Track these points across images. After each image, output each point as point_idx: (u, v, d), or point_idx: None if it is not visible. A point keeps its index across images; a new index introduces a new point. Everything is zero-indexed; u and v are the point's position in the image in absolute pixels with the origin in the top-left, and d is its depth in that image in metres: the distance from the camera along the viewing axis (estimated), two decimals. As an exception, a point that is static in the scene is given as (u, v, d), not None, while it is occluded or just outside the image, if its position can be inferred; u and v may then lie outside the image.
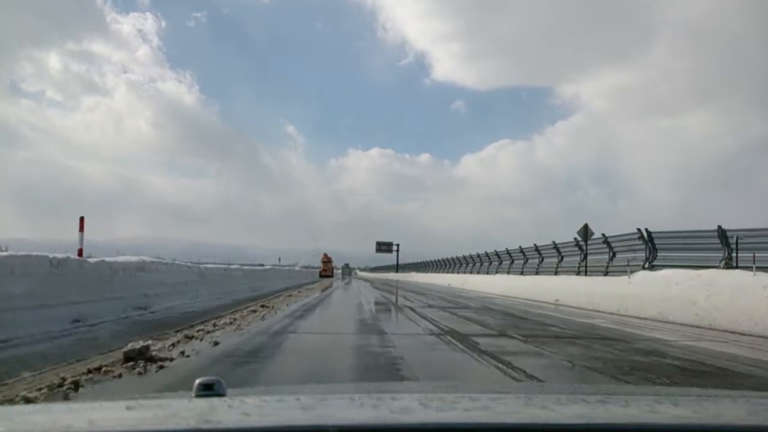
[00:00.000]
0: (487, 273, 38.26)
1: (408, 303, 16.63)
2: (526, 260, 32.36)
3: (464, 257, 46.68)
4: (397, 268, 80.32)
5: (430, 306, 15.38)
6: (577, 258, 25.68)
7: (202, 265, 16.16)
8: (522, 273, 31.72)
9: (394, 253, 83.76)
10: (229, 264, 20.15)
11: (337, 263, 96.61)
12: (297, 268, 67.86)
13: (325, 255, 79.09)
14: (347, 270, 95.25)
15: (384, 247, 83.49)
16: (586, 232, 21.28)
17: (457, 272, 47.04)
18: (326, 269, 75.39)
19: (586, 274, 21.42)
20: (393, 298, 19.82)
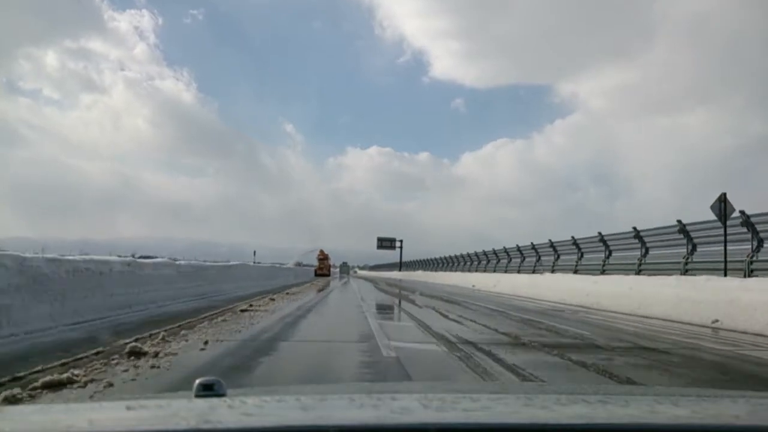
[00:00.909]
0: (518, 272, 30.21)
1: (461, 332, 8.47)
2: (581, 255, 24.24)
3: (484, 253, 38.36)
4: (401, 266, 72.07)
5: (519, 342, 7.23)
6: (673, 251, 17.66)
7: (47, 257, 7.98)
8: (575, 271, 23.74)
9: (397, 250, 75.53)
10: (170, 260, 12.24)
11: (337, 261, 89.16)
12: (290, 266, 59.94)
13: (321, 252, 70.57)
14: (345, 268, 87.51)
15: (386, 243, 75.31)
16: (724, 207, 13.09)
17: (473, 271, 39.01)
18: (322, 267, 66.79)
19: (725, 274, 13.24)
20: (421, 315, 11.56)
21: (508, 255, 33.25)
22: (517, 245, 31.52)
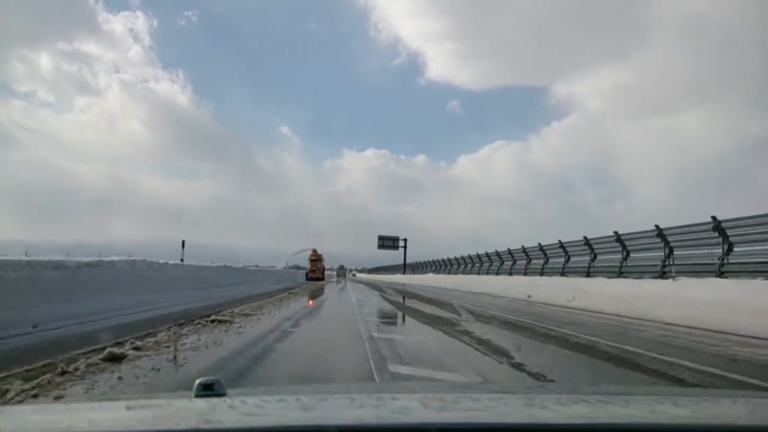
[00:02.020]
0: (588, 275, 20.32)
1: None
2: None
3: (523, 250, 28.23)
4: (405, 268, 61.99)
5: None
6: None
7: None
8: (720, 273, 13.98)
9: (400, 250, 65.49)
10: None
11: (335, 264, 79.60)
12: (278, 268, 49.96)
13: (314, 252, 60.69)
14: (341, 271, 78.13)
15: (388, 242, 65.60)
16: None
17: (498, 273, 29.36)
18: (315, 270, 56.94)
19: None
20: None
21: (566, 252, 23.21)
22: (585, 237, 21.52)
